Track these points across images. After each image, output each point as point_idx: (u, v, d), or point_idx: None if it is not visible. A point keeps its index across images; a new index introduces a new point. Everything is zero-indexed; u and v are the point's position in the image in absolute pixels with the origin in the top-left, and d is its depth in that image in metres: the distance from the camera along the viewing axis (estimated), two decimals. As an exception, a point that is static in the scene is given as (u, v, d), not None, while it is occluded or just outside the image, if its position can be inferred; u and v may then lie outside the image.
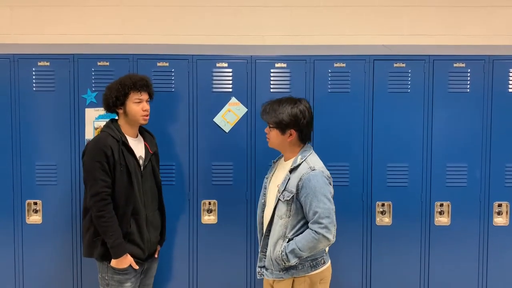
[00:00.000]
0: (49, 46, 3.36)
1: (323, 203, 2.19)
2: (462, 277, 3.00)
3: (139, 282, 2.55)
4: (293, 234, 2.25)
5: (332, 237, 2.21)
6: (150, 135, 2.65)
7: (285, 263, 2.22)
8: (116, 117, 2.55)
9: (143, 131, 2.62)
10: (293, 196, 2.24)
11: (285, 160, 2.39)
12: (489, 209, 2.97)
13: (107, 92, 2.48)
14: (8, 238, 2.97)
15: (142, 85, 2.47)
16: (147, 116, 2.49)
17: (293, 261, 2.21)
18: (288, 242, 2.23)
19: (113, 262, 2.39)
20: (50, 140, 2.95)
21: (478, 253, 2.98)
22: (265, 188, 2.46)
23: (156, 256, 2.62)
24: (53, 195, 2.96)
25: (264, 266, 2.36)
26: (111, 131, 2.44)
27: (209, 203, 2.99)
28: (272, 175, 2.44)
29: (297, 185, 2.23)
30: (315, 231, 2.18)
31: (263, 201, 2.46)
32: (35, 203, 2.97)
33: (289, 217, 2.25)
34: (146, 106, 2.48)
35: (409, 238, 2.99)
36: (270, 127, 2.31)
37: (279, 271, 2.27)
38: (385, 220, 2.98)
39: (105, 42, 3.49)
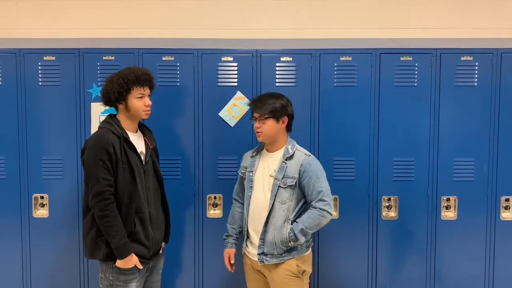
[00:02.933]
0: (55, 40, 3.37)
1: (325, 183, 2.46)
2: (468, 272, 2.98)
3: (146, 280, 2.50)
4: (294, 216, 2.45)
5: (332, 212, 2.46)
6: (148, 130, 2.57)
7: (293, 243, 2.41)
8: (115, 112, 2.45)
9: (141, 126, 2.53)
10: (296, 181, 2.43)
11: (270, 151, 2.54)
12: (496, 203, 2.95)
13: (108, 85, 2.36)
14: (15, 232, 2.99)
15: (145, 79, 2.39)
16: (149, 111, 2.41)
17: (302, 239, 2.42)
18: (291, 223, 2.42)
19: (119, 263, 2.30)
20: (56, 135, 2.96)
21: (485, 248, 2.97)
22: (251, 181, 2.54)
23: (161, 252, 2.57)
24: (59, 189, 2.97)
25: (263, 253, 2.47)
26: (111, 127, 2.34)
27: (215, 197, 2.99)
28: (257, 168, 2.55)
29: (299, 171, 2.44)
30: (320, 208, 2.41)
31: (249, 194, 2.53)
32: (42, 197, 2.98)
33: (291, 201, 2.45)
34: (148, 101, 2.40)
35: (415, 233, 2.98)
36: (264, 118, 2.46)
37: (281, 254, 2.44)
38: (390, 214, 2.97)
39: (111, 37, 3.49)
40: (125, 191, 2.32)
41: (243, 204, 2.61)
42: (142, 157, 2.44)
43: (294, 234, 2.39)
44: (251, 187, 2.54)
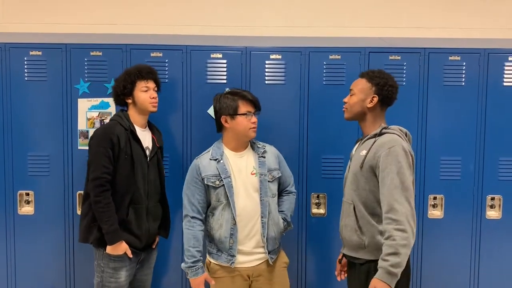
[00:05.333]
0: (41, 35, 3.32)
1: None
2: (453, 269, 3.01)
3: (137, 273, 2.56)
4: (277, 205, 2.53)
5: None
6: (158, 131, 2.71)
7: (284, 233, 2.53)
8: (126, 109, 2.61)
9: (152, 126, 2.67)
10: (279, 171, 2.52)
11: (239, 151, 2.44)
12: (482, 202, 2.98)
13: (115, 83, 2.56)
14: (0, 229, 2.95)
15: (147, 72, 2.53)
16: (156, 103, 2.56)
17: (292, 225, 2.58)
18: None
19: (108, 249, 2.41)
20: (43, 131, 2.93)
21: (471, 246, 3.00)
22: (232, 187, 2.37)
23: (154, 247, 2.65)
24: (45, 186, 2.94)
25: (269, 251, 2.44)
26: (120, 119, 2.50)
27: (203, 195, 2.98)
28: (232, 172, 2.40)
29: (278, 162, 2.52)
30: (294, 192, 2.62)
31: (233, 200, 2.37)
32: (27, 194, 2.95)
33: (277, 191, 2.52)
34: (153, 93, 2.55)
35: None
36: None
37: (277, 247, 2.51)
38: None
39: (98, 32, 3.45)
40: (123, 181, 2.43)
41: (202, 221, 2.43)
42: (148, 152, 2.54)
43: (288, 222, 2.51)
44: (233, 193, 2.38)
